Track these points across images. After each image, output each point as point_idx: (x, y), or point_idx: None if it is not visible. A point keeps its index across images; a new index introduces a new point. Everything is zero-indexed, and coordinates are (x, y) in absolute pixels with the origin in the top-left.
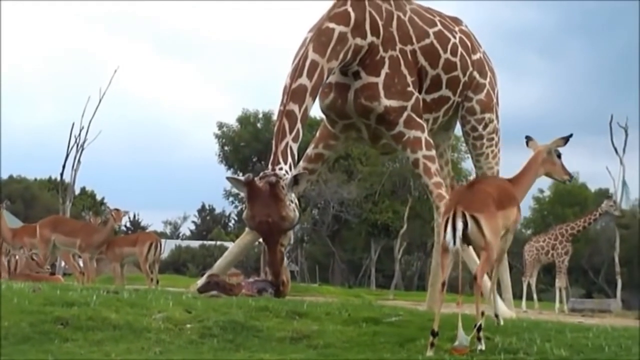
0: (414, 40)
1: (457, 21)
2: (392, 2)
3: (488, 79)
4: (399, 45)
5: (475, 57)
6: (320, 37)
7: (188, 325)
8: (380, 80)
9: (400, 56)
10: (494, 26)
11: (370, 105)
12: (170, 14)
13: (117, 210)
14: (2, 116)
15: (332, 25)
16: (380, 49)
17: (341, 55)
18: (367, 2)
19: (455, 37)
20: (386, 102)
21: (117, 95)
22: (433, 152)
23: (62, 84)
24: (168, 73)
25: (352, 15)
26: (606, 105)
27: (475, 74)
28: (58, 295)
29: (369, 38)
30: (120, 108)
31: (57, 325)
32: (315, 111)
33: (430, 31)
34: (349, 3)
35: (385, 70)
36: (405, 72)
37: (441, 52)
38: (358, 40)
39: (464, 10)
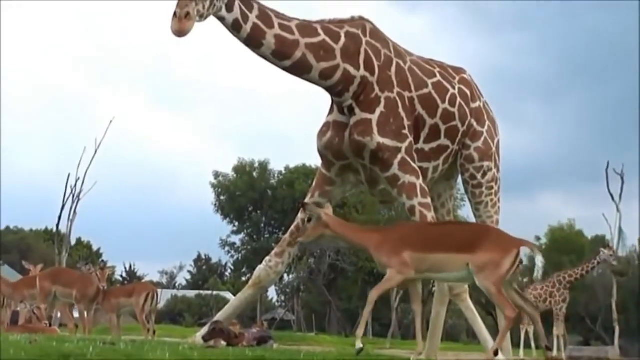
0: (413, 88)
1: (459, 71)
2: (392, 50)
3: (486, 127)
4: (396, 89)
5: (474, 105)
6: (306, 26)
7: None
8: (374, 117)
9: (397, 99)
10: (491, 73)
11: (362, 141)
12: (164, 63)
13: (102, 269)
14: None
15: (320, 31)
16: (376, 87)
17: (323, 62)
18: (364, 40)
19: (454, 88)
20: (379, 138)
21: (112, 146)
22: (429, 200)
23: (57, 134)
24: (163, 123)
25: (343, 40)
26: (603, 152)
27: (474, 122)
28: (54, 347)
29: (362, 71)
30: (116, 158)
31: None
32: (312, 159)
33: (429, 81)
34: (343, 31)
35: (380, 108)
36: (402, 114)
37: (439, 102)
38: (350, 68)
39: (462, 56)
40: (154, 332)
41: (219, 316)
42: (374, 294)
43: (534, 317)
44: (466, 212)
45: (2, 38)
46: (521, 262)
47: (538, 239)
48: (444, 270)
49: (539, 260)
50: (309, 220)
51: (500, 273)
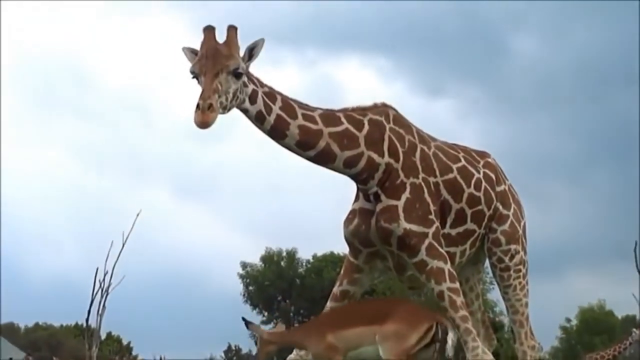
0: (437, 173)
1: (483, 155)
2: (415, 135)
3: (512, 210)
4: (422, 175)
5: (499, 189)
6: (329, 115)
7: None
8: (400, 203)
9: (423, 184)
10: (517, 154)
11: (389, 227)
12: (186, 156)
13: None
14: (29, 263)
15: (343, 119)
16: (401, 173)
17: (347, 151)
18: (387, 127)
19: (479, 172)
20: (406, 224)
21: (140, 239)
22: (457, 285)
23: (84, 230)
24: (189, 214)
25: (366, 127)
26: (631, 231)
27: (499, 205)
28: None
29: (386, 158)
30: (144, 251)
31: None
32: (339, 247)
33: (454, 166)
34: (366, 118)
35: (406, 194)
36: (428, 200)
37: (465, 186)
38: (374, 155)
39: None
40: None
41: None
42: None
43: None
44: (495, 296)
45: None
46: (437, 340)
47: (569, 320)
48: (361, 345)
49: (450, 338)
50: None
51: (405, 346)
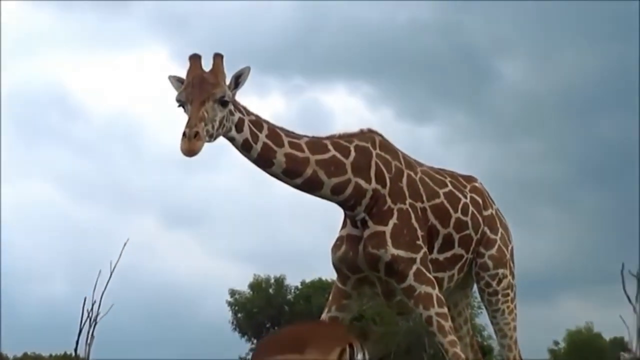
0: (425, 198)
1: (470, 179)
2: (402, 161)
3: (499, 235)
4: (409, 200)
5: (486, 213)
6: (315, 143)
7: None
8: (387, 229)
9: (410, 210)
10: (504, 179)
11: (377, 253)
12: (174, 185)
13: None
14: (16, 293)
15: (330, 147)
16: (388, 199)
17: (334, 178)
18: (374, 153)
19: (466, 197)
20: (393, 250)
21: (128, 268)
22: (445, 310)
23: (72, 258)
24: (177, 243)
25: (353, 154)
26: (617, 253)
27: (487, 230)
28: None
29: (373, 184)
30: (132, 280)
31: None
32: (327, 273)
33: (441, 191)
34: (353, 145)
35: (393, 220)
36: (416, 225)
37: (452, 211)
38: (361, 181)
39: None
40: None
41: None
42: None
43: None
44: (483, 320)
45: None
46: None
47: (557, 343)
48: None
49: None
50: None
51: None
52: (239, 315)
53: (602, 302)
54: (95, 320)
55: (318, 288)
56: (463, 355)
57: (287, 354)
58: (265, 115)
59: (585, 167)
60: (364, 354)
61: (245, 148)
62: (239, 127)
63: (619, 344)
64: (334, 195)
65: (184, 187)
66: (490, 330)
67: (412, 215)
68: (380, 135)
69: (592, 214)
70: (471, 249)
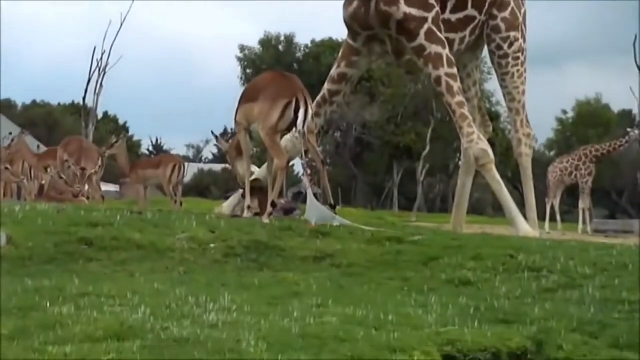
0: None
1: None
2: None
3: None
4: None
5: None
6: None
7: (212, 245)
8: None
9: None
10: None
11: (389, 11)
12: None
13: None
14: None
15: None
16: None
17: None
18: None
19: None
20: (405, 8)
21: (138, 21)
22: (455, 70)
23: (82, 8)
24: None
25: None
26: (632, 24)
27: None
28: (82, 216)
29: None
30: (142, 33)
31: (82, 245)
32: (337, 33)
33: None
34: None
35: None
36: None
37: None
38: None
39: None
40: (181, 204)
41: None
42: None
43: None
44: (492, 86)
45: None
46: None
47: (565, 112)
48: (255, 121)
49: (300, 114)
50: None
51: (269, 124)
52: (248, 71)
53: (612, 72)
54: (104, 70)
55: (328, 47)
56: (470, 117)
57: (246, 103)
58: None
59: None
60: (306, 109)
61: None
62: None
63: (627, 117)
64: None
65: None
66: (498, 96)
67: None
68: None
69: None
70: (484, 10)
